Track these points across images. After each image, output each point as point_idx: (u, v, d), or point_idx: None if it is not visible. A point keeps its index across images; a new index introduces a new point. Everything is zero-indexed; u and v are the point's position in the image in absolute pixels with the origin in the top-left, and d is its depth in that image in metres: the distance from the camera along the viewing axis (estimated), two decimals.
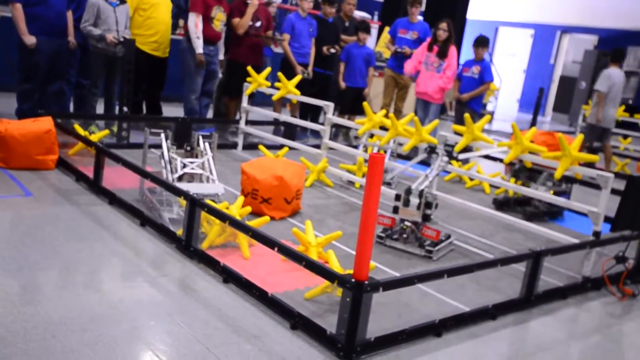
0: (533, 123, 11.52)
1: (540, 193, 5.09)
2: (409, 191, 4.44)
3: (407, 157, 7.08)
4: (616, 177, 4.61)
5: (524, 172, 5.91)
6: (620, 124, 11.17)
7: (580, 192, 6.44)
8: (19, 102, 6.32)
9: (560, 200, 4.78)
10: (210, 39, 7.16)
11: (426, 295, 3.72)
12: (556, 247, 4.05)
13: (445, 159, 4.80)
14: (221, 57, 7.52)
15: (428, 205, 4.42)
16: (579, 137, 4.55)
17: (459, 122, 8.28)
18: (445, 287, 3.79)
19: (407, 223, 4.47)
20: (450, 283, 3.76)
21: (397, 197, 4.47)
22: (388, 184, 5.98)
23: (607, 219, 4.38)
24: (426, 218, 4.45)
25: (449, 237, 4.61)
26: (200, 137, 4.85)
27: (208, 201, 3.86)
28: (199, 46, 7.03)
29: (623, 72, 8.75)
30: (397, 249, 4.46)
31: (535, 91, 11.38)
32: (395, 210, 4.49)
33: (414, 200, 4.41)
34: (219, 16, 7.18)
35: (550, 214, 5.97)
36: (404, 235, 4.48)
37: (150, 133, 4.74)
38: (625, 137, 10.82)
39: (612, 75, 8.44)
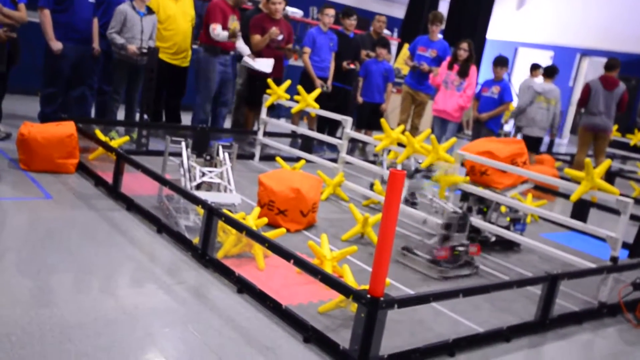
0: (551, 145, 11.46)
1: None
2: None
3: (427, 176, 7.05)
4: (635, 204, 4.55)
5: (473, 196, 5.21)
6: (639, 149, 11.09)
7: (598, 216, 6.37)
8: (42, 106, 6.42)
9: (577, 224, 4.72)
10: (225, 48, 7.15)
11: (440, 314, 3.70)
12: (573, 271, 4.01)
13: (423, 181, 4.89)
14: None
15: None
16: (606, 163, 4.44)
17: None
18: (459, 307, 3.77)
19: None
20: (465, 303, 3.74)
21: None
22: (413, 204, 5.71)
23: (625, 245, 4.33)
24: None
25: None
26: (220, 147, 4.88)
27: (225, 211, 3.89)
28: (225, 37, 6.91)
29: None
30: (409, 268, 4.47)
31: None
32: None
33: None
34: (233, 25, 7.10)
35: (501, 243, 5.24)
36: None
37: (170, 141, 4.78)
38: None
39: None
